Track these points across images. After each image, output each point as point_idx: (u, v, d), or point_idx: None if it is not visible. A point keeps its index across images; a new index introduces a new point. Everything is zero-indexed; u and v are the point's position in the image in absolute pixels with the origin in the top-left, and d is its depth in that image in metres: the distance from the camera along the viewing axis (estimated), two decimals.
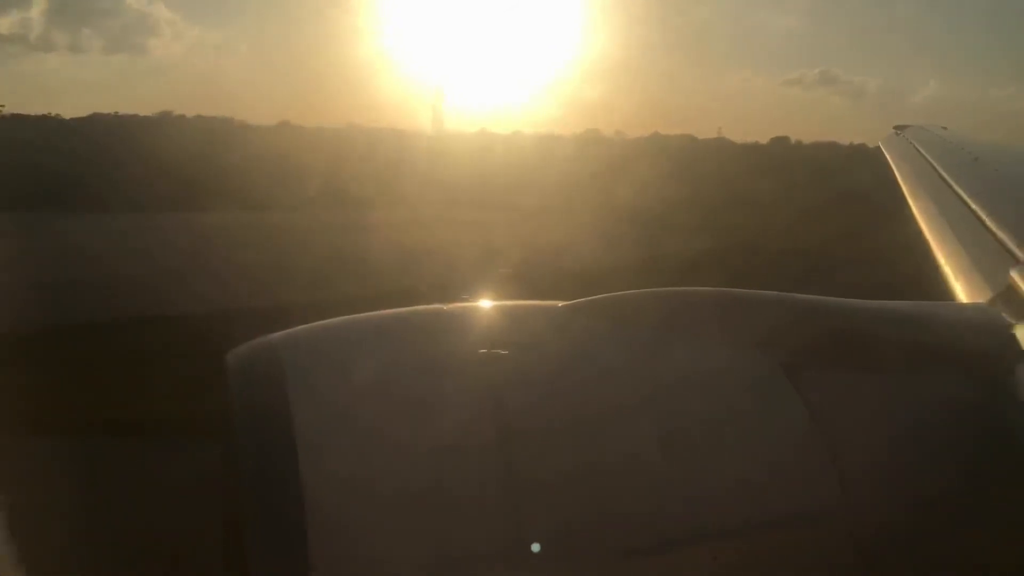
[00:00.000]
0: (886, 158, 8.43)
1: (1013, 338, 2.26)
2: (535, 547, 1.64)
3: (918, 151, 7.61)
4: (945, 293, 3.49)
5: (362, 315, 2.01)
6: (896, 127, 10.69)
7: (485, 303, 2.07)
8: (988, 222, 3.97)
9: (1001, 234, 3.62)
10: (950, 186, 5.53)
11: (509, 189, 34.24)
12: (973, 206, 4.54)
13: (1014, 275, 2.67)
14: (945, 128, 9.98)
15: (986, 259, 3.49)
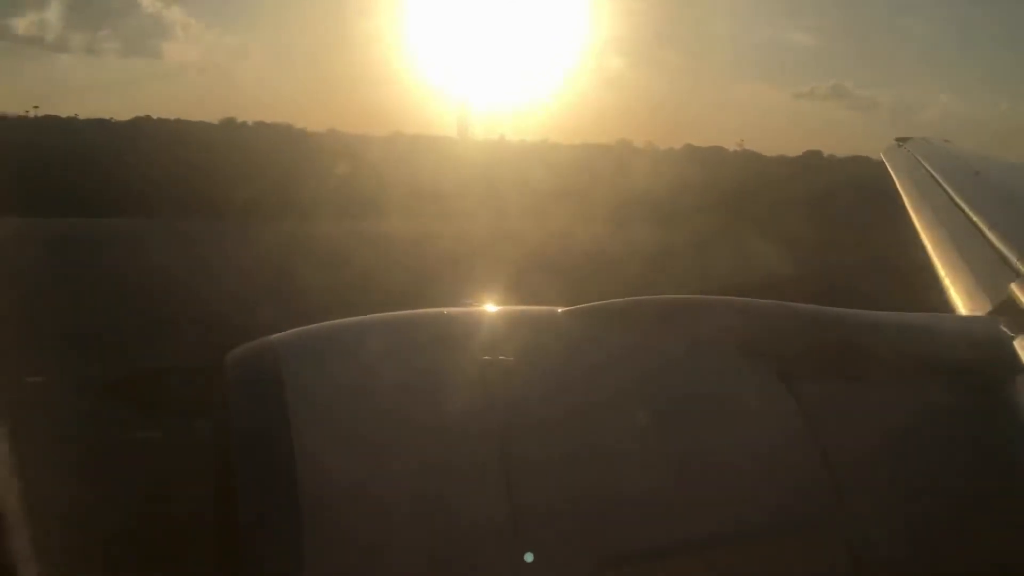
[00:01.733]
0: (887, 169, 8.45)
1: (1012, 351, 2.26)
2: (529, 554, 1.63)
3: (920, 163, 7.62)
4: (945, 305, 3.49)
5: (361, 317, 2.01)
6: (898, 139, 10.66)
7: (485, 307, 2.07)
8: (989, 235, 3.97)
9: (1002, 247, 3.62)
10: (951, 198, 5.53)
11: (569, 199, 33.12)
12: (974, 219, 4.54)
13: (1014, 288, 2.67)
14: (947, 141, 9.98)
15: (986, 271, 3.49)
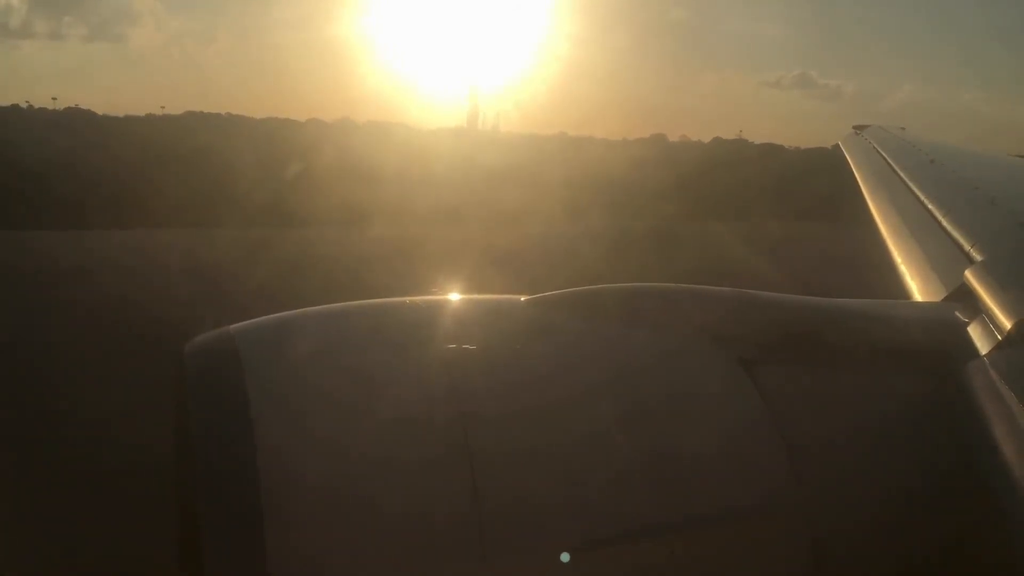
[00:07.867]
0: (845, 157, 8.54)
1: (966, 336, 2.31)
2: (493, 539, 1.63)
3: (876, 151, 7.70)
4: (901, 291, 3.55)
5: (323, 307, 1.98)
6: (855, 126, 10.74)
7: (449, 296, 2.06)
8: (943, 222, 4.04)
9: (956, 234, 3.69)
10: (907, 186, 5.61)
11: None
12: (929, 206, 4.61)
13: (968, 275, 2.72)
14: (903, 128, 10.10)
15: (941, 259, 3.55)
